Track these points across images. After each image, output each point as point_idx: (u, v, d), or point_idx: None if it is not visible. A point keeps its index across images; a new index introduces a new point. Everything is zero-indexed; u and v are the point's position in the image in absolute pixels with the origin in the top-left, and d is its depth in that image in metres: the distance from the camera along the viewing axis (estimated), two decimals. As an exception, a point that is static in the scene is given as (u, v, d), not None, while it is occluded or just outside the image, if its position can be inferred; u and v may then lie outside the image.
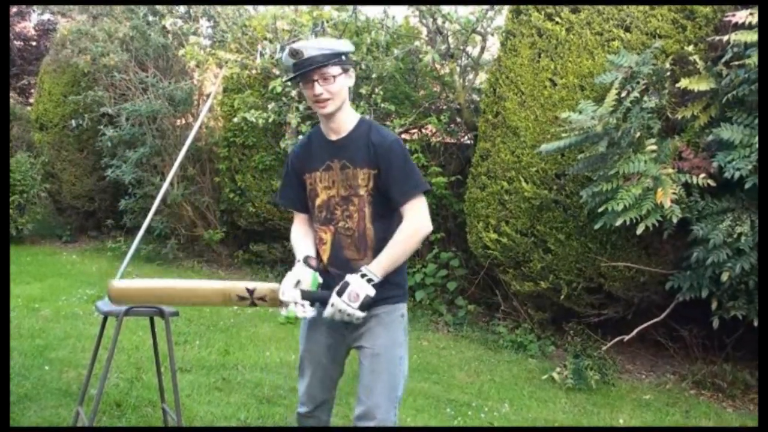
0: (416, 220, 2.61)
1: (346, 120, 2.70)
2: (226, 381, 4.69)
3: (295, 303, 2.52)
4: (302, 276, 2.59)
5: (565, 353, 5.93)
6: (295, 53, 2.58)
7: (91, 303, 6.25)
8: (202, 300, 2.79)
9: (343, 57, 2.64)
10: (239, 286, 2.63)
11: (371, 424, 2.59)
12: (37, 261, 8.72)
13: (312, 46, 2.60)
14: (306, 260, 2.66)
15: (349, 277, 2.54)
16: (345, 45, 2.70)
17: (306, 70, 2.58)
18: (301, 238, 2.80)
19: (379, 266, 2.56)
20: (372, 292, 2.51)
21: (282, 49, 7.36)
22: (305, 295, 2.55)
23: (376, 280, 2.53)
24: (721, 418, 4.91)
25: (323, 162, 2.72)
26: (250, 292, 2.61)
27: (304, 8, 7.54)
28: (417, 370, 5.46)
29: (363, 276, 2.53)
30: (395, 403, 2.65)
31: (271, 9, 7.77)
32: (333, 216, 2.71)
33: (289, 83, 7.14)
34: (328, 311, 2.52)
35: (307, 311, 2.54)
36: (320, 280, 2.64)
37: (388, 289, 2.64)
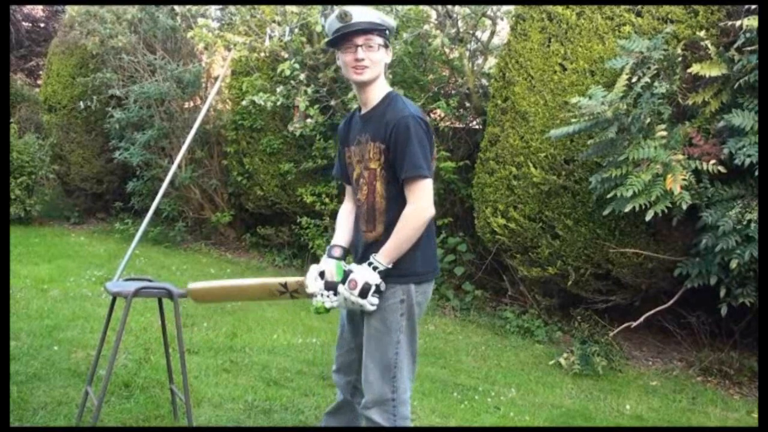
0: (415, 204, 2.63)
1: (376, 93, 2.74)
2: (233, 363, 4.70)
3: (321, 294, 2.67)
4: (326, 267, 2.72)
5: (572, 339, 5.93)
6: (344, 15, 2.61)
7: (100, 284, 6.28)
8: (257, 296, 3.16)
9: (387, 32, 2.70)
10: (275, 282, 2.84)
11: (364, 399, 2.75)
12: (45, 242, 8.74)
13: (362, 12, 2.64)
14: (330, 251, 2.80)
15: (353, 266, 2.68)
16: (390, 21, 2.73)
17: (353, 29, 2.63)
18: (341, 222, 2.94)
19: (384, 254, 2.63)
20: (374, 279, 2.60)
21: (291, 31, 7.34)
22: (328, 285, 2.68)
23: (381, 267, 2.62)
24: (728, 405, 4.92)
25: (356, 137, 2.81)
26: (284, 286, 2.80)
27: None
28: (424, 354, 5.47)
29: (369, 264, 2.63)
30: (391, 381, 2.71)
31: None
32: (359, 189, 2.79)
33: (297, 66, 7.13)
34: (337, 300, 2.67)
35: (333, 300, 2.68)
36: (345, 267, 2.71)
37: (386, 273, 2.66)
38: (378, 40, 2.65)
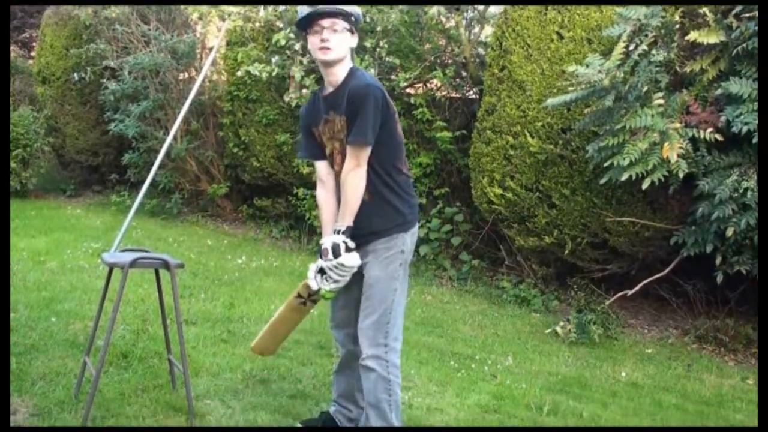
0: (354, 166, 2.86)
1: (341, 73, 2.93)
2: (231, 333, 4.72)
3: (325, 281, 2.93)
4: (318, 264, 2.95)
5: (569, 308, 5.96)
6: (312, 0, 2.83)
7: (96, 256, 6.28)
8: (294, 318, 3.22)
9: (352, 18, 2.92)
10: (292, 298, 3.10)
11: (359, 347, 2.97)
12: (41, 215, 8.73)
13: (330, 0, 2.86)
14: (320, 251, 2.98)
15: (321, 240, 2.99)
16: (357, 10, 2.97)
17: (319, 12, 2.83)
18: (325, 218, 3.06)
19: (342, 217, 2.91)
20: (338, 238, 2.87)
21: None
22: (320, 271, 2.95)
23: (343, 228, 2.89)
24: (723, 372, 4.96)
25: (323, 116, 2.99)
26: (298, 295, 3.07)
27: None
28: (421, 323, 5.49)
29: (334, 231, 2.92)
30: (385, 326, 2.94)
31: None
32: (334, 161, 3.03)
33: (292, 36, 7.08)
34: (329, 276, 2.91)
35: (329, 280, 2.92)
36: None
37: (386, 221, 2.97)
38: (343, 24, 2.87)
